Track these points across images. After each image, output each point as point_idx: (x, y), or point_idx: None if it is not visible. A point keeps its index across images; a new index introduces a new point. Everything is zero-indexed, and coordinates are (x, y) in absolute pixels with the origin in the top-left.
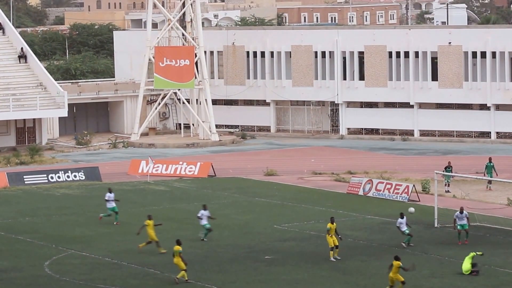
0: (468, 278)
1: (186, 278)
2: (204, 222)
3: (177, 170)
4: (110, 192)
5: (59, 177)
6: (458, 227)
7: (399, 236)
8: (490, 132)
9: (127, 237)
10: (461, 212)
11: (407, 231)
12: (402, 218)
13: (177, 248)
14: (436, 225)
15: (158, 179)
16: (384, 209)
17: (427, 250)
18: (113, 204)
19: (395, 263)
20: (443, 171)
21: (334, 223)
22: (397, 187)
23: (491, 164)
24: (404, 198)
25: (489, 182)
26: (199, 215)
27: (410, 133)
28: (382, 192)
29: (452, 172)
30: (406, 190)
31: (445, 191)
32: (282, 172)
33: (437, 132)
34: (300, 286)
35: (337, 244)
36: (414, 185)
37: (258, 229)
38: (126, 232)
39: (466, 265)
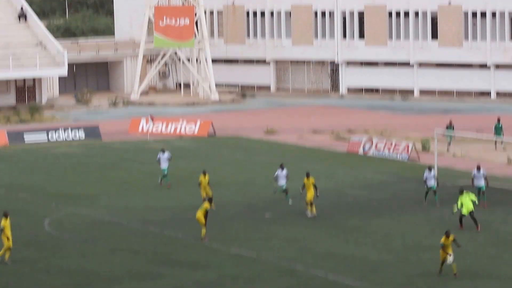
0: (468, 236)
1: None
2: (282, 182)
3: (177, 129)
4: (164, 152)
5: (59, 136)
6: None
7: (399, 194)
8: (490, 91)
9: (127, 196)
10: (478, 169)
11: (434, 187)
12: (430, 171)
13: (207, 205)
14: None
15: (158, 138)
16: (384, 168)
17: (426, 209)
18: (166, 165)
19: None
20: (445, 130)
21: (311, 178)
22: (397, 146)
23: (500, 124)
24: (404, 157)
25: (499, 142)
26: (275, 175)
27: (410, 92)
28: (382, 151)
29: (453, 131)
30: (406, 149)
31: (447, 149)
32: (282, 131)
33: (437, 91)
34: (300, 243)
35: (311, 200)
36: (414, 144)
37: (258, 188)
38: (127, 190)
39: (470, 205)
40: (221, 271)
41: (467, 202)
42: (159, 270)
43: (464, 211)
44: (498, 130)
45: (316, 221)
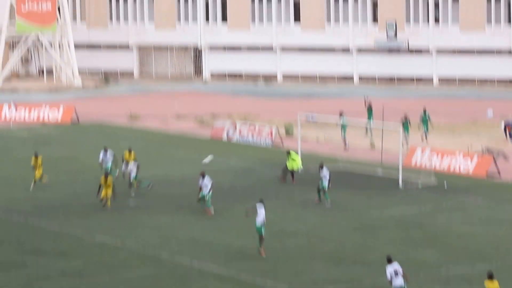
0: (332, 220)
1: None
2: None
3: (40, 115)
4: (106, 151)
5: None
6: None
7: (262, 180)
8: (352, 75)
9: None
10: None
11: (325, 187)
12: (322, 168)
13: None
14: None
15: (21, 125)
16: (248, 154)
17: (291, 193)
18: (109, 164)
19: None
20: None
21: (109, 176)
22: (260, 131)
23: (426, 114)
24: (268, 142)
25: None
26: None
27: (273, 76)
28: (246, 137)
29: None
30: (269, 134)
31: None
32: (145, 117)
33: (300, 76)
34: (164, 231)
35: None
36: (277, 129)
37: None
38: None
39: (296, 164)
40: (86, 259)
41: (295, 159)
42: (24, 259)
43: (290, 167)
44: (425, 121)
45: (181, 208)
